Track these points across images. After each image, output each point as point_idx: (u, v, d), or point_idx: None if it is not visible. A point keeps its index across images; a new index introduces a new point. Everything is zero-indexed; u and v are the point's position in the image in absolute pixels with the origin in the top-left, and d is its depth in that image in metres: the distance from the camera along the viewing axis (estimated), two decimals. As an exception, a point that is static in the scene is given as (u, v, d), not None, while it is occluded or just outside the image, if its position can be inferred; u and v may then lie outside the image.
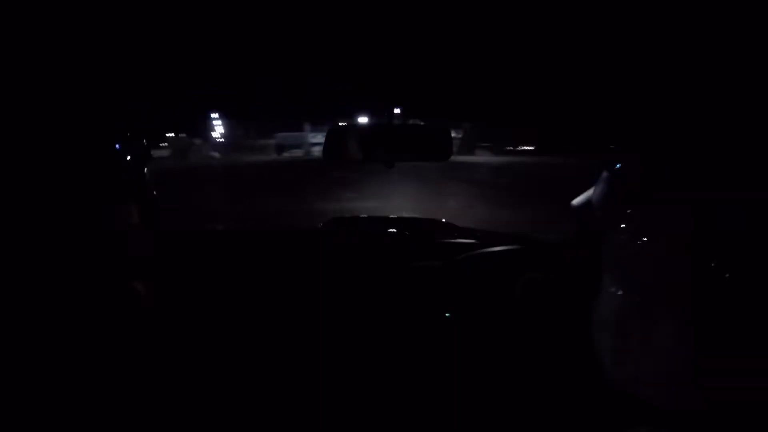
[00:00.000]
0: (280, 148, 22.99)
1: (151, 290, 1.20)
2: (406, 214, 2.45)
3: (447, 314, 1.64)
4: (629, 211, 0.99)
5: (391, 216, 2.23)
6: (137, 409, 1.15)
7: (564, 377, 1.42)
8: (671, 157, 0.97)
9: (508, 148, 18.59)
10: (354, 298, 1.67)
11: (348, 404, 1.53)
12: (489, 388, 1.52)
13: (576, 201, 1.36)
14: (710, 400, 0.80)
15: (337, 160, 1.53)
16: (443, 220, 2.09)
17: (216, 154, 21.29)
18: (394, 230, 2.01)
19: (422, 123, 1.67)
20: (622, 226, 0.99)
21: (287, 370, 1.58)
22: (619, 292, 0.97)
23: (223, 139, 24.03)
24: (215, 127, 24.04)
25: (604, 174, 1.12)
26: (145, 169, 1.45)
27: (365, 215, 2.44)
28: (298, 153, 22.64)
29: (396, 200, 7.76)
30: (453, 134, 1.64)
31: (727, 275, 0.83)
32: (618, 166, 1.09)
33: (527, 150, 17.95)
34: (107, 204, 1.13)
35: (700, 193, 0.88)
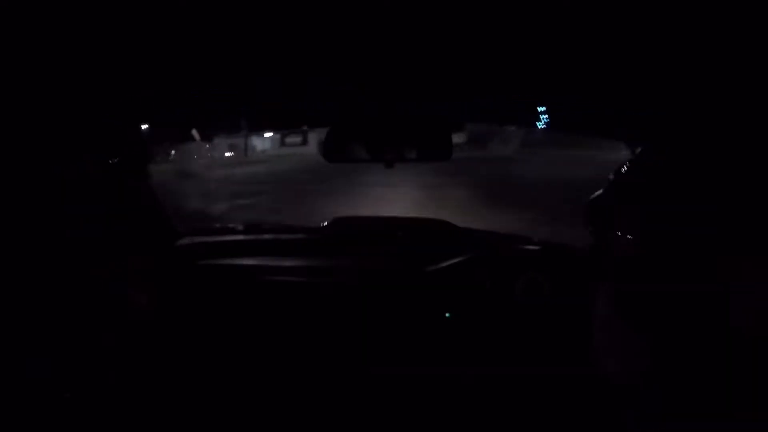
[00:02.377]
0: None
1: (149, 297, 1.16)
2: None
3: (447, 314, 1.64)
4: (629, 212, 0.99)
5: (392, 216, 2.23)
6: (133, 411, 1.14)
7: (563, 377, 1.42)
8: (680, 159, 0.95)
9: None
10: (354, 297, 1.67)
11: (347, 405, 1.53)
12: (488, 388, 1.52)
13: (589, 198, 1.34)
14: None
15: (336, 159, 1.52)
16: (444, 220, 2.08)
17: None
18: (395, 230, 2.01)
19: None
20: (621, 226, 0.99)
21: (287, 371, 1.59)
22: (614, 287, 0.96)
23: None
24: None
25: (613, 173, 1.11)
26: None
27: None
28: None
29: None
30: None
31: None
32: (624, 165, 1.08)
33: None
34: (66, 208, 1.09)
35: (703, 197, 0.86)
